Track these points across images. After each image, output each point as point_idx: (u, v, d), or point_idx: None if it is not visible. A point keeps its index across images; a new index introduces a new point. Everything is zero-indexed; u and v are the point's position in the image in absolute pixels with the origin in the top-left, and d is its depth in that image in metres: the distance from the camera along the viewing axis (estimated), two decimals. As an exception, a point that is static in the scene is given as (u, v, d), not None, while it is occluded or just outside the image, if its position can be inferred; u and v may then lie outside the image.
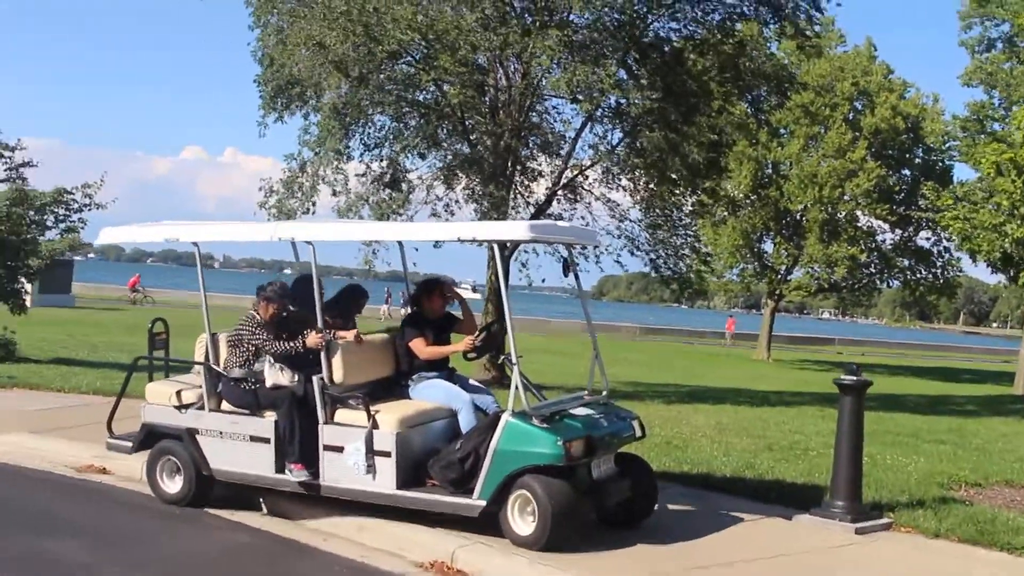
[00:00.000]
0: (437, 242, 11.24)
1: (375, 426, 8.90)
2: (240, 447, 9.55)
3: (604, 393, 9.70)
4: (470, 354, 9.79)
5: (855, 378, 9.83)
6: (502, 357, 9.60)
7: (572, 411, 8.93)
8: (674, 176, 23.39)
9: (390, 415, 8.99)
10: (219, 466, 9.68)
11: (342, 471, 9.03)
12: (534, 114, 23.53)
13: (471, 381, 10.11)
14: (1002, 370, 60.53)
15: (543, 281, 25.56)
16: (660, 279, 25.23)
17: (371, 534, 8.98)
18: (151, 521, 9.49)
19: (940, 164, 54.88)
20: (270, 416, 9.44)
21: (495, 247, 9.16)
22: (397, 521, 8.96)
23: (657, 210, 24.35)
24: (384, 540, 8.84)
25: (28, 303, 22.91)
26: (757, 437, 15.15)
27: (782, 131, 52.22)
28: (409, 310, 10.23)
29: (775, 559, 8.50)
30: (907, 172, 56.05)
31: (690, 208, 25.84)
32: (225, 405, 9.74)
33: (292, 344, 9.54)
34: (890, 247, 56.48)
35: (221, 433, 9.63)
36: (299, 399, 9.35)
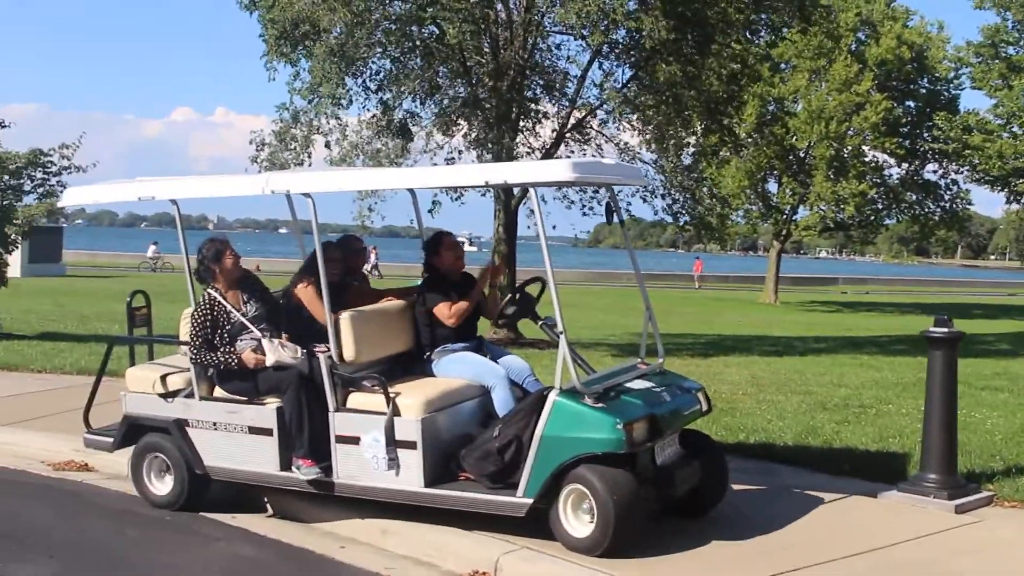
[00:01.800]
0: (458, 190, 9.70)
1: (396, 412, 7.50)
2: (238, 440, 8.13)
3: (660, 361, 8.29)
4: (501, 320, 8.40)
5: (947, 330, 8.46)
6: (540, 322, 8.14)
7: (628, 385, 7.53)
8: (689, 113, 21.80)
9: (413, 398, 7.58)
10: (214, 463, 8.28)
11: (359, 466, 7.63)
12: (537, 52, 22.00)
13: (504, 350, 8.70)
14: (1010, 304, 59.59)
15: (554, 229, 24.21)
16: (679, 226, 23.80)
17: (397, 539, 7.60)
18: (137, 530, 8.10)
19: (946, 93, 53.41)
20: (272, 403, 8.03)
21: (532, 192, 7.62)
22: (427, 524, 7.58)
23: (671, 152, 22.84)
24: (413, 546, 7.47)
25: (10, 274, 21.52)
26: (803, 393, 13.88)
27: (783, 66, 50.61)
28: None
29: (876, 553, 7.12)
30: (911, 104, 54.59)
31: (701, 148, 24.35)
32: (218, 391, 8.29)
33: (223, 359, 8.10)
34: (897, 181, 55.14)
35: (215, 424, 8.22)
36: (306, 381, 7.95)
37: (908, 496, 8.43)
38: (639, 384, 7.58)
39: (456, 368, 8.11)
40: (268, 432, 8.00)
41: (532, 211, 22.17)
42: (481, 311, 8.69)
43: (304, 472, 7.82)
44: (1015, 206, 41.64)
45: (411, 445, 7.44)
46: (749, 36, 21.79)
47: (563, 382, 7.14)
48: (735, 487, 8.58)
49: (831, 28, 27.80)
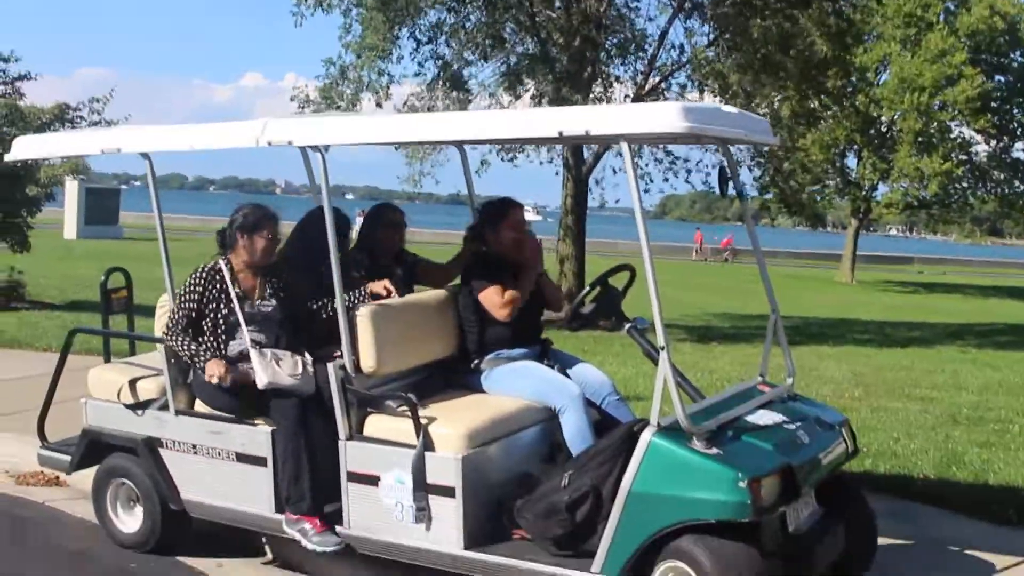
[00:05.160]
0: (511, 150, 7.50)
1: (428, 445, 5.49)
2: (224, 469, 6.16)
3: (790, 381, 6.19)
4: (576, 321, 6.30)
5: None
6: (628, 325, 6.04)
7: (750, 419, 5.44)
8: (783, 75, 19.46)
9: (452, 426, 5.56)
10: (193, 496, 6.34)
11: (377, 514, 5.63)
12: (613, 8, 19.83)
13: (576, 358, 6.57)
14: (1102, 290, 56.66)
15: (616, 202, 22.27)
16: (765, 203, 21.60)
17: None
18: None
19: (1041, 68, 50.57)
20: (266, 425, 6.07)
21: (625, 147, 5.22)
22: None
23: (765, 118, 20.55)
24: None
25: (66, 235, 20.25)
26: (921, 399, 11.86)
27: (865, 37, 47.81)
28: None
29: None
30: (1000, 78, 51.60)
31: (794, 115, 22.04)
32: (200, 404, 6.34)
33: (193, 350, 6.09)
34: (983, 159, 52.30)
35: (194, 447, 6.26)
36: (309, 403, 5.93)
37: (1113, 565, 6.33)
38: (765, 417, 5.47)
39: (514, 383, 6.05)
40: (261, 462, 6.02)
41: (596, 181, 20.16)
42: (546, 305, 6.68)
43: (314, 541, 5.77)
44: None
45: (448, 491, 5.42)
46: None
47: (662, 413, 5.07)
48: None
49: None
